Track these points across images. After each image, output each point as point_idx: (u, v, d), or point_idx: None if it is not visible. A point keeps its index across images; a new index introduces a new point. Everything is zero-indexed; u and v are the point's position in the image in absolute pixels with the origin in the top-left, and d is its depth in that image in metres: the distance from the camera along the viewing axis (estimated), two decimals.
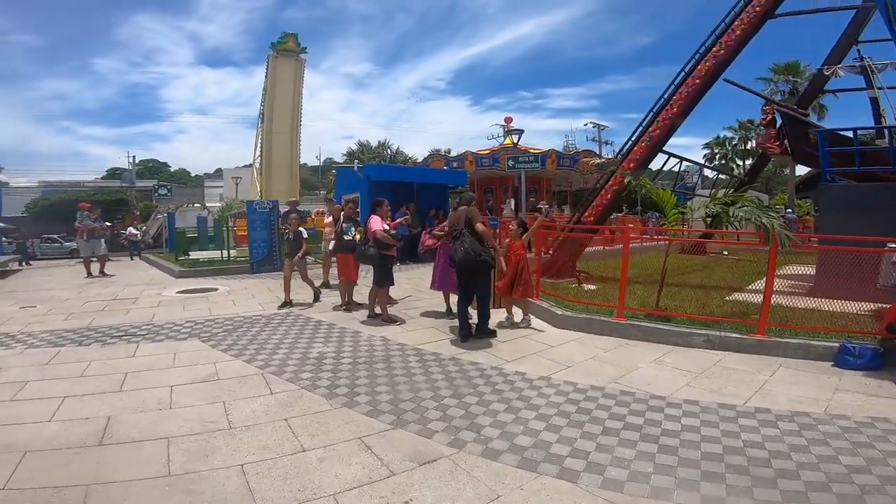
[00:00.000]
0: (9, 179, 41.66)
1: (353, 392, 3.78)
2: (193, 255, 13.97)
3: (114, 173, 47.97)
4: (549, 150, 19.95)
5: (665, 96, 9.95)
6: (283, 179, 27.00)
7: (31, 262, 16.94)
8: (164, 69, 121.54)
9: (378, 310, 6.09)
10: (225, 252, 12.65)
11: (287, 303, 6.94)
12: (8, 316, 6.50)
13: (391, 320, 5.95)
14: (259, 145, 27.63)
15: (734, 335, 4.97)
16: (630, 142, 10.06)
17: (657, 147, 9.77)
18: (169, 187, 16.62)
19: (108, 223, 21.14)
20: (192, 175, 59.45)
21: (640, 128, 10.00)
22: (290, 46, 27.85)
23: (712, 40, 10.02)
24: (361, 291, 7.29)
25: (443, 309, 6.52)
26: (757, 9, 9.82)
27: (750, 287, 7.40)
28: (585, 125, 29.53)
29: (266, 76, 27.98)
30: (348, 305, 6.65)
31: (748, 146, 40.98)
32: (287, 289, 7.03)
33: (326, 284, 8.42)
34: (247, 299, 7.65)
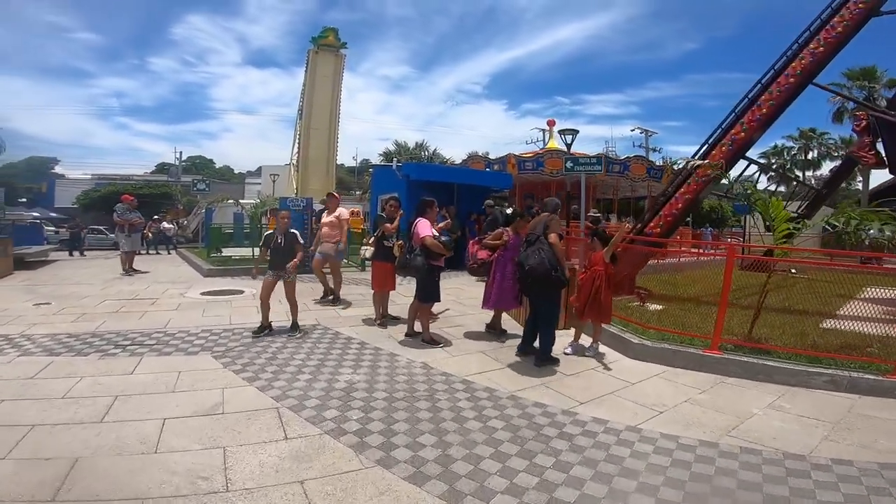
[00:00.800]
0: (65, 172, 43.77)
1: (389, 443, 2.91)
2: (227, 251, 13.63)
3: (162, 168, 49.68)
4: (597, 155, 18.73)
5: (750, 96, 8.75)
6: (320, 177, 26.67)
7: (84, 253, 17.06)
8: (214, 69, 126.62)
9: (418, 328, 5.22)
10: (258, 250, 12.14)
11: (266, 327, 5.36)
12: (17, 314, 6.00)
13: (433, 342, 5.06)
14: (297, 142, 27.50)
15: (868, 376, 4.09)
16: (706, 146, 8.86)
17: (741, 152, 8.54)
18: (207, 182, 16.48)
19: (156, 216, 21.53)
20: (236, 172, 60.89)
21: (720, 130, 8.80)
22: (331, 41, 27.57)
23: (807, 36, 8.82)
24: (395, 301, 6.46)
25: (482, 327, 5.71)
26: (861, 5, 8.55)
27: (843, 312, 6.14)
28: (632, 130, 28.09)
29: (306, 72, 27.81)
30: (382, 319, 5.81)
31: (809, 156, 38.24)
32: (265, 309, 5.36)
33: (332, 296, 7.17)
34: (273, 306, 6.93)
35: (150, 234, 19.31)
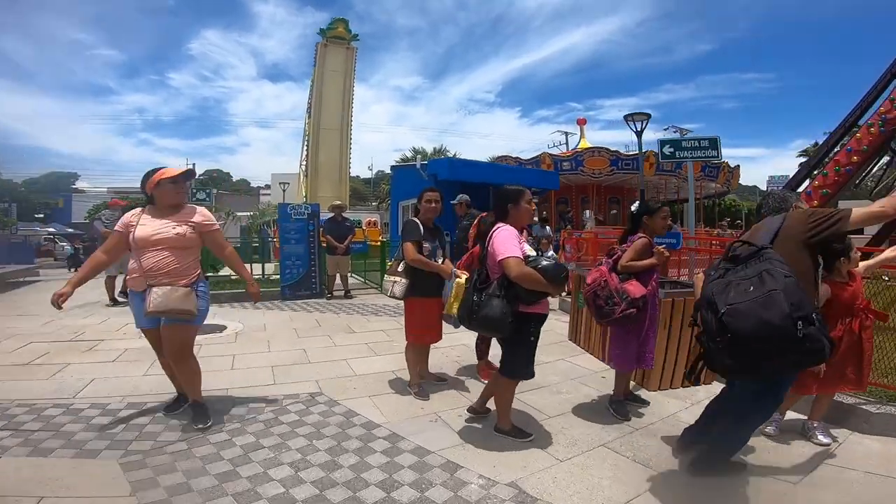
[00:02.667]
0: (87, 187, 43.13)
1: None
2: (225, 270, 11.64)
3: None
4: (646, 152, 16.48)
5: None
6: (331, 183, 24.59)
7: None
8: (231, 83, 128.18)
9: (490, 405, 3.11)
10: (259, 268, 10.15)
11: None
12: None
13: (519, 433, 2.93)
14: (305, 144, 25.58)
15: None
16: (842, 128, 6.65)
17: (894, 132, 6.31)
18: (208, 191, 14.77)
19: None
20: (253, 185, 60.27)
21: (857, 110, 6.59)
22: (341, 33, 25.65)
23: None
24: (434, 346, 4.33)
25: (595, 393, 3.67)
26: None
27: None
28: (665, 130, 25.89)
29: (314, 66, 25.77)
30: (420, 385, 3.67)
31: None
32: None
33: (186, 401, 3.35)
34: (256, 353, 4.88)
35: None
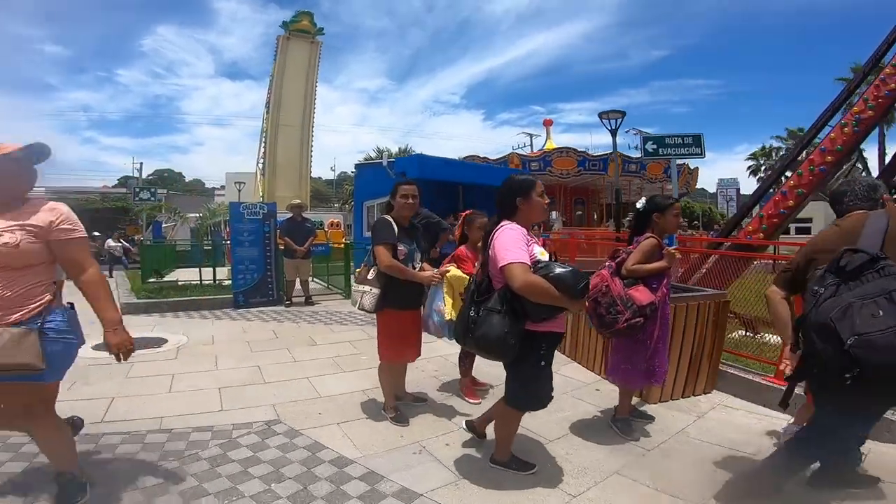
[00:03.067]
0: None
1: None
2: (174, 275, 10.70)
3: (124, 182, 45.88)
4: (611, 153, 16.60)
5: (865, 71, 6.62)
6: (291, 182, 23.22)
7: None
8: (185, 81, 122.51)
9: (490, 430, 2.66)
10: (211, 274, 9.25)
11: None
12: None
13: (520, 464, 2.47)
14: (263, 141, 24.24)
15: None
16: (814, 129, 6.63)
17: (867, 132, 6.31)
18: (153, 191, 13.49)
19: (96, 233, 18.34)
20: (207, 186, 57.53)
21: (830, 110, 6.59)
22: (305, 26, 24.42)
23: None
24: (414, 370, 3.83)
25: (593, 409, 3.28)
26: None
27: None
28: (626, 132, 26.62)
29: (274, 60, 24.46)
30: (396, 412, 3.13)
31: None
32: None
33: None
34: (201, 371, 4.21)
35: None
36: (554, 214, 17.25)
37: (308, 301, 7.45)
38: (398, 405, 3.17)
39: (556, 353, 4.71)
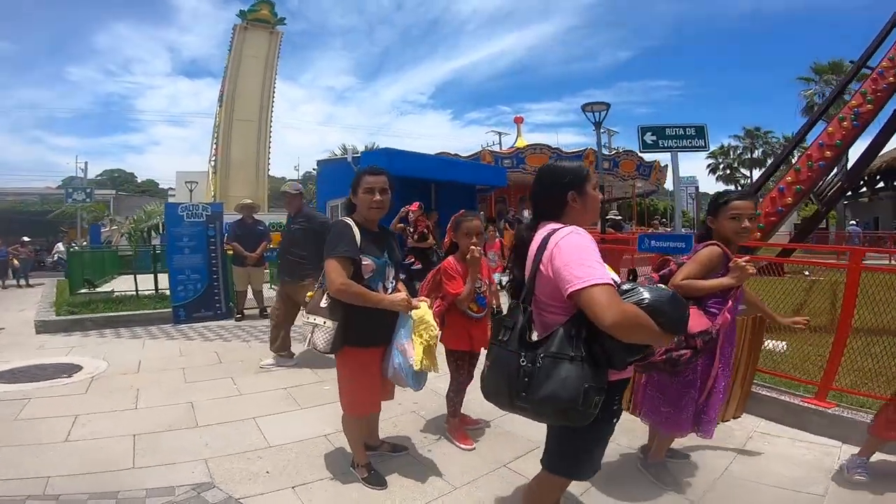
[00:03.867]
0: None
1: None
2: (115, 284, 9.47)
3: (69, 182, 42.71)
4: (585, 150, 16.29)
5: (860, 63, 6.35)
6: (247, 182, 21.50)
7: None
8: (140, 79, 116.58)
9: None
10: (152, 282, 8.09)
11: None
12: None
13: None
14: (215, 137, 22.65)
15: None
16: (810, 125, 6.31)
17: (866, 126, 6.03)
18: (89, 191, 11.94)
19: (25, 238, 16.54)
20: (161, 187, 54.47)
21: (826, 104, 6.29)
22: (265, 15, 22.78)
23: None
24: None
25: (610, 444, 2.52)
26: None
27: None
28: (594, 130, 26.51)
29: (230, 51, 22.69)
30: (369, 468, 2.36)
31: (755, 154, 38.85)
32: None
33: None
34: (114, 410, 3.34)
35: (16, 262, 14.44)
36: (526, 213, 16.80)
37: (263, 314, 6.55)
38: (371, 460, 2.41)
39: None
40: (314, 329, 2.08)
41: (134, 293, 7.69)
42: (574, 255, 1.32)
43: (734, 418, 3.20)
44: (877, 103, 5.68)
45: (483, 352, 2.90)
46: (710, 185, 44.90)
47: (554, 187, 1.53)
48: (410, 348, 2.10)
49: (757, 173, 40.33)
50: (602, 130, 23.22)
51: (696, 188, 48.98)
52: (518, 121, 21.00)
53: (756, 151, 38.75)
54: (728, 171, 40.35)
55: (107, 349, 5.00)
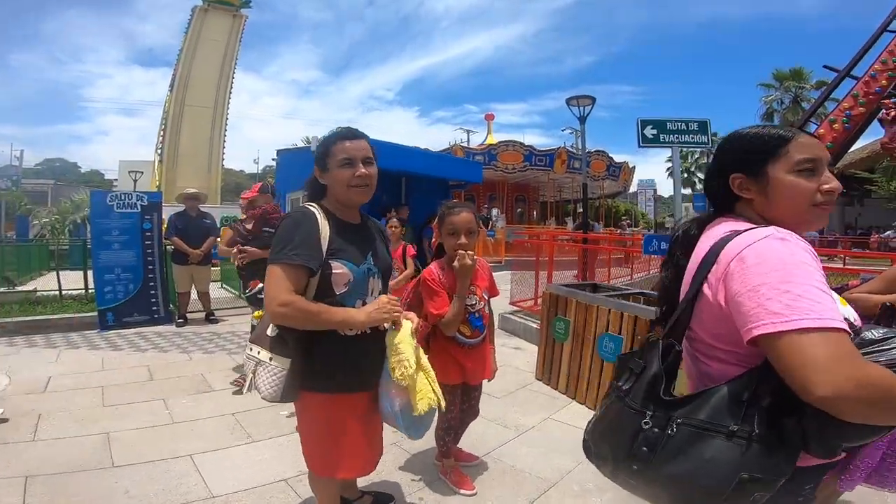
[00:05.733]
0: None
1: None
2: (42, 282, 8.36)
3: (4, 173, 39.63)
4: (558, 149, 16.11)
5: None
6: (198, 172, 19.67)
7: None
8: (90, 67, 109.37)
9: None
10: (82, 280, 7.04)
11: None
12: None
13: None
14: (163, 124, 20.73)
15: None
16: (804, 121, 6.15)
17: (858, 134, 5.92)
18: (15, 178, 10.52)
19: None
20: (107, 178, 51.07)
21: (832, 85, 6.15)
22: None
23: None
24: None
25: None
26: None
27: None
28: (563, 130, 26.67)
29: (186, 33, 20.75)
30: None
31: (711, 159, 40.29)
32: None
33: None
34: (7, 443, 2.58)
35: None
36: (495, 212, 16.45)
37: (210, 318, 5.74)
38: None
39: (550, 391, 3.59)
40: (256, 365, 1.41)
41: (56, 293, 6.67)
42: (770, 274, 0.77)
43: None
44: (868, 105, 5.62)
45: (485, 383, 2.30)
46: (668, 188, 46.33)
47: (741, 154, 0.97)
48: (393, 388, 1.48)
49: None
50: (569, 131, 23.29)
51: (655, 190, 50.66)
52: (489, 118, 20.66)
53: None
54: (686, 175, 41.71)
55: (14, 361, 4.11)
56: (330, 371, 1.44)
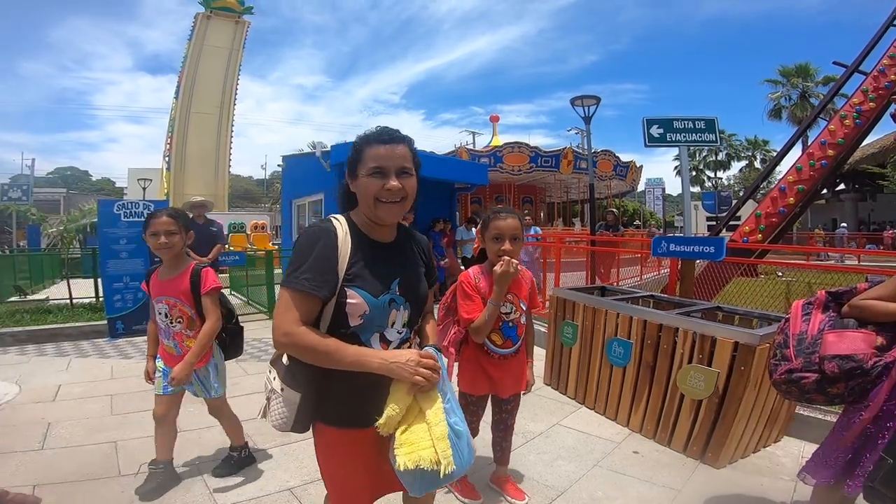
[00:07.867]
0: None
1: None
2: (48, 292, 8.53)
3: (16, 181, 40.25)
4: (563, 149, 16.02)
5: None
6: (205, 179, 19.96)
7: None
8: (98, 74, 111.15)
9: None
10: (92, 289, 7.14)
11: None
12: None
13: None
14: (170, 131, 20.91)
15: None
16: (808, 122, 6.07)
17: (869, 129, 5.83)
18: (25, 188, 10.68)
19: None
20: (117, 186, 51.84)
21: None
22: (230, 3, 21.17)
23: None
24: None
25: (647, 490, 2.14)
26: None
27: None
28: (569, 131, 26.71)
29: (189, 40, 20.99)
30: None
31: (719, 157, 40.02)
32: None
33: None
34: (15, 452, 2.63)
35: None
36: (474, 231, 16.36)
37: None
38: None
39: (559, 396, 3.55)
40: (270, 395, 1.30)
41: (67, 301, 6.76)
42: None
43: (775, 442, 2.79)
44: (879, 101, 5.54)
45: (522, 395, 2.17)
46: (676, 186, 46.02)
47: None
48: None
49: (722, 175, 41.75)
50: (575, 131, 23.17)
51: (663, 189, 50.24)
52: (494, 119, 20.62)
53: (720, 154, 39.91)
54: (694, 173, 41.37)
55: (24, 370, 4.17)
56: (339, 403, 1.28)
